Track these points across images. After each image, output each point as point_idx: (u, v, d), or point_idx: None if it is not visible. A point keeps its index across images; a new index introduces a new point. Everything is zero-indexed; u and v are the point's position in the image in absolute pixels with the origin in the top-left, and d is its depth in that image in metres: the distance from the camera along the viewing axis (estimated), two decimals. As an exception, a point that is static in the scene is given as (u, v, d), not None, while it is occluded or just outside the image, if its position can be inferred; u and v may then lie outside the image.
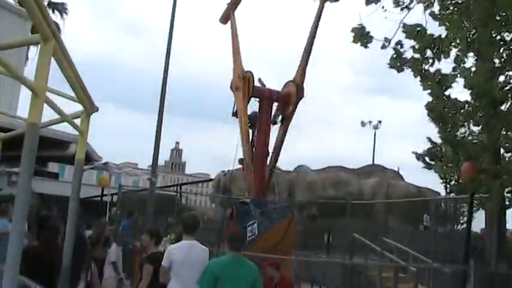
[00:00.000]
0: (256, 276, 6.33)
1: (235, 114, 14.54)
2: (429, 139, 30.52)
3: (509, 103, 9.94)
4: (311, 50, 14.86)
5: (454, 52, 9.96)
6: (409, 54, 9.97)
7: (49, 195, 23.84)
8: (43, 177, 24.89)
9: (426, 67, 9.68)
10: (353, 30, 10.71)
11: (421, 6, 11.16)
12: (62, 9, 35.92)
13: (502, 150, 11.26)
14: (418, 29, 9.76)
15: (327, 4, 12.42)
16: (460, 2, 9.87)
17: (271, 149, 14.51)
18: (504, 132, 10.12)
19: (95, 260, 10.60)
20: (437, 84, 9.58)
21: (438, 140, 19.51)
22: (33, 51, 30.73)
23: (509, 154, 10.83)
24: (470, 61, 10.06)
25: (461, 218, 29.06)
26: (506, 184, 9.99)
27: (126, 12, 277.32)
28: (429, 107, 9.60)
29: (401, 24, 10.44)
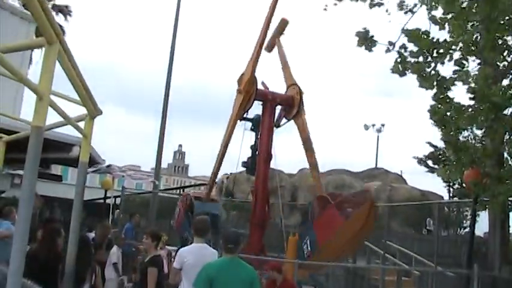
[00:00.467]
0: (253, 278, 6.30)
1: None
2: (430, 143, 30.49)
3: (512, 108, 9.91)
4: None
5: (456, 55, 9.93)
6: (412, 57, 9.95)
7: (52, 197, 23.86)
8: (46, 179, 24.89)
9: (428, 70, 9.66)
10: (357, 34, 10.70)
11: (424, 9, 11.16)
12: (66, 11, 35.98)
13: (505, 155, 11.24)
14: (419, 32, 9.75)
15: (331, 6, 12.45)
16: (462, 6, 9.84)
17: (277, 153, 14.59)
18: (507, 137, 10.10)
19: (98, 262, 10.61)
20: (437, 86, 9.57)
21: (440, 143, 19.46)
22: (38, 54, 30.79)
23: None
24: (472, 65, 10.03)
25: (464, 221, 29.00)
26: (510, 189, 9.95)
27: (132, 15, 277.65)
28: (431, 110, 9.58)
29: (404, 28, 10.45)
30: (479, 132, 10.41)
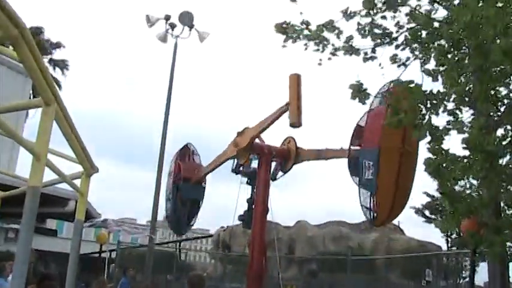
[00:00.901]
0: None
1: (234, 170, 14.62)
2: (427, 193, 30.46)
3: (507, 157, 9.95)
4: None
5: (450, 106, 10.03)
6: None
7: (47, 252, 23.63)
8: (41, 234, 24.72)
9: (421, 121, 9.74)
10: (350, 87, 10.83)
11: (417, 63, 11.33)
12: (63, 66, 36.32)
13: (502, 204, 11.24)
14: (411, 85, 9.87)
15: (325, 58, 12.62)
16: (455, 58, 10.00)
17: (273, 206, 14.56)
18: (504, 186, 10.11)
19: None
20: (430, 135, 9.64)
21: (437, 193, 19.44)
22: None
23: (511, 210, 10.79)
24: (466, 115, 10.12)
25: (463, 271, 28.77)
26: (508, 239, 9.92)
27: (128, 67, 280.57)
28: (426, 162, 9.62)
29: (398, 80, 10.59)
30: (475, 182, 10.43)
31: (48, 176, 4.78)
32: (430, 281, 28.47)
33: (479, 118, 9.83)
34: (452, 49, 10.06)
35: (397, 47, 11.74)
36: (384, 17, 11.92)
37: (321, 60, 12.73)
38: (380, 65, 11.65)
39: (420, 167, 9.83)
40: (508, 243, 10.11)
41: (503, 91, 10.08)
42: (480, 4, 9.17)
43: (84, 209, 5.32)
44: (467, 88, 9.90)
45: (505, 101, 9.86)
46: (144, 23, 23.14)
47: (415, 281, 30.74)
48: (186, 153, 19.42)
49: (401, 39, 11.73)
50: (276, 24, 13.76)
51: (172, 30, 23.43)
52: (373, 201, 12.22)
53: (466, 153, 9.87)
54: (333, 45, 12.32)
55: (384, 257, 28.93)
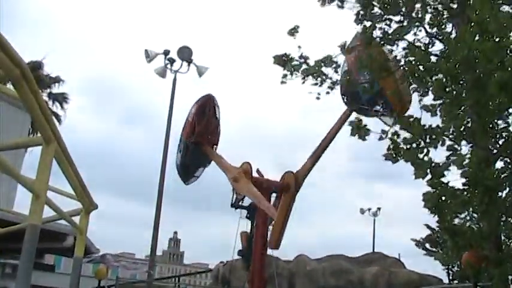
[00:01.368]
0: None
1: (233, 205, 14.57)
2: (427, 226, 30.28)
3: (507, 190, 9.94)
4: (325, 150, 15.20)
5: (448, 140, 10.06)
6: (405, 144, 10.08)
7: (44, 287, 23.40)
8: (39, 270, 24.51)
9: (420, 156, 9.75)
10: (350, 124, 10.88)
11: (415, 97, 11.41)
12: (62, 99, 36.30)
13: (503, 237, 11.19)
14: (411, 119, 9.92)
15: (323, 92, 12.70)
16: (453, 92, 10.06)
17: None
18: (503, 219, 10.08)
19: None
20: (430, 173, 9.64)
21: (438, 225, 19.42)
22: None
23: (511, 241, 10.74)
24: (465, 149, 10.14)
25: (465, 305, 28.45)
26: (509, 271, 9.84)
27: (127, 101, 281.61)
28: (425, 197, 9.61)
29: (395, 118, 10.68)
30: (475, 215, 10.39)
31: (48, 212, 4.77)
32: (431, 315, 28.14)
33: (478, 152, 9.84)
34: (449, 83, 10.13)
35: (395, 80, 11.84)
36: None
37: (319, 94, 12.83)
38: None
39: (421, 197, 9.79)
40: (510, 276, 10.04)
41: (502, 124, 10.11)
42: (476, 38, 9.27)
43: (83, 246, 5.29)
44: (465, 122, 9.93)
45: (504, 134, 9.88)
46: (143, 57, 23.34)
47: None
48: (206, 105, 17.82)
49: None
50: (275, 55, 13.92)
51: (171, 65, 23.59)
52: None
53: (466, 186, 9.86)
54: (330, 79, 12.44)
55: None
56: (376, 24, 12.00)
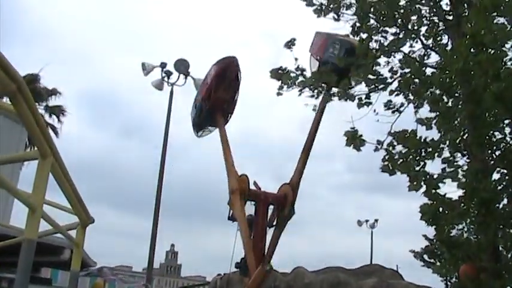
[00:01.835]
0: None
1: (231, 218, 14.51)
2: (425, 237, 30.15)
3: (504, 201, 9.94)
4: (309, 151, 15.14)
5: (444, 153, 10.08)
6: (401, 158, 10.10)
7: (41, 302, 23.27)
8: (36, 284, 24.37)
9: (417, 168, 9.77)
10: (346, 134, 10.90)
11: (411, 107, 11.44)
12: (59, 112, 36.21)
13: (501, 248, 11.18)
14: (406, 133, 9.96)
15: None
16: (448, 105, 10.11)
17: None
18: (501, 230, 10.07)
19: None
20: (425, 185, 9.66)
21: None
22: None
23: (510, 253, 10.72)
24: (461, 161, 10.16)
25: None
26: (508, 283, 9.82)
27: (124, 113, 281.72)
28: (422, 210, 9.61)
29: (391, 129, 10.73)
30: (472, 227, 10.39)
31: (44, 225, 4.76)
32: (430, 327, 28.03)
33: (474, 163, 9.86)
34: (444, 96, 10.17)
35: (391, 92, 11.87)
36: (377, 63, 12.09)
37: (315, 106, 12.88)
38: (375, 111, 11.76)
39: (417, 214, 9.78)
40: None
41: (498, 135, 10.14)
42: (472, 50, 9.32)
43: (79, 260, 5.28)
44: (461, 134, 9.96)
45: (500, 146, 9.90)
46: (140, 70, 23.38)
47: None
48: (227, 69, 16.21)
49: (395, 84, 11.89)
50: (271, 70, 13.96)
51: (168, 78, 23.65)
52: None
53: (462, 197, 9.87)
54: (327, 91, 12.48)
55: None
56: (373, 36, 12.06)
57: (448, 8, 12.02)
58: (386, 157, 10.29)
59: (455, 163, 9.99)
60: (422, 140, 9.74)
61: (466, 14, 10.87)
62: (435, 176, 9.72)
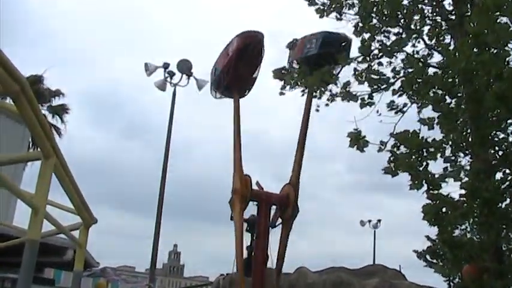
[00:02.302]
0: None
1: (233, 218, 14.52)
2: (428, 237, 30.12)
3: (507, 201, 9.92)
4: (303, 151, 15.16)
5: (447, 152, 10.07)
6: (404, 158, 10.09)
7: (44, 303, 23.29)
8: (39, 284, 24.40)
9: (420, 168, 9.75)
10: (349, 135, 10.89)
11: (414, 108, 11.43)
12: (62, 112, 36.11)
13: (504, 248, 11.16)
14: (408, 134, 9.95)
15: (322, 104, 12.75)
16: (450, 105, 10.10)
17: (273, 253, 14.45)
18: (504, 231, 10.05)
19: None
20: (427, 184, 9.64)
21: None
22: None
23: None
24: (464, 161, 10.15)
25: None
26: (510, 284, 9.80)
27: (127, 114, 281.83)
28: (424, 210, 9.59)
29: (394, 129, 10.74)
30: (475, 227, 10.37)
31: (47, 226, 4.77)
32: (433, 327, 28.01)
33: (476, 163, 9.85)
34: (447, 96, 10.16)
35: (393, 92, 11.86)
36: (380, 63, 12.09)
37: (318, 106, 12.87)
38: (378, 111, 11.75)
39: (419, 214, 9.77)
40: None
41: (500, 135, 10.12)
42: (474, 50, 9.30)
43: (82, 260, 5.29)
44: (464, 133, 9.95)
45: (502, 145, 9.88)
46: (143, 71, 23.37)
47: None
48: (250, 45, 15.60)
49: (398, 84, 11.88)
50: (274, 70, 13.96)
51: (171, 78, 23.63)
52: None
53: (465, 197, 9.85)
54: (330, 91, 12.47)
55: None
56: (375, 36, 12.05)
57: (450, 8, 12.01)
58: (391, 159, 10.27)
59: (457, 163, 9.97)
60: (424, 140, 9.72)
61: (469, 13, 10.85)
62: (437, 176, 9.69)
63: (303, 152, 15.12)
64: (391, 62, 12.08)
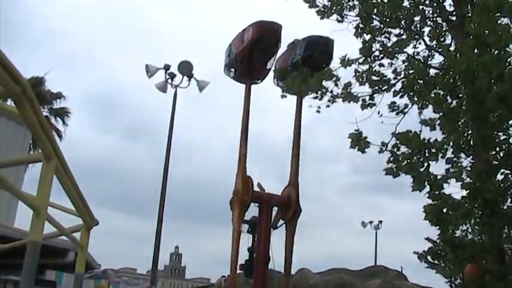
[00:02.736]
0: None
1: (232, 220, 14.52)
2: (428, 239, 30.08)
3: (508, 202, 9.92)
4: (299, 152, 15.18)
5: (448, 153, 10.06)
6: (405, 159, 10.09)
7: (46, 305, 23.28)
8: (40, 286, 24.40)
9: (421, 170, 9.75)
10: (350, 136, 10.89)
11: (415, 109, 11.43)
12: (63, 115, 36.15)
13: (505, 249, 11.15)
14: (410, 134, 9.94)
15: (323, 106, 12.75)
16: (451, 105, 10.09)
17: (275, 255, 14.45)
18: (505, 231, 10.05)
19: None
20: (429, 185, 9.64)
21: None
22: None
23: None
24: (465, 162, 10.14)
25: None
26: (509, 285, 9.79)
27: (128, 116, 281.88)
28: (425, 210, 9.59)
29: (395, 130, 10.73)
30: (476, 227, 10.36)
31: (48, 228, 4.77)
32: (435, 328, 27.98)
33: (478, 164, 9.84)
34: (448, 97, 10.16)
35: (394, 93, 11.86)
36: (381, 64, 12.09)
37: (319, 107, 12.86)
38: (379, 113, 11.76)
39: (421, 214, 9.76)
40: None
41: (502, 136, 10.12)
42: (475, 51, 9.30)
43: (84, 262, 5.29)
44: (465, 134, 9.95)
45: (504, 146, 9.88)
46: (144, 72, 23.37)
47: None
48: (265, 36, 15.33)
49: (399, 85, 11.88)
50: (275, 70, 13.97)
51: (172, 79, 23.63)
52: None
53: (466, 198, 9.85)
54: (331, 92, 12.46)
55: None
56: (376, 38, 12.06)
57: (451, 9, 12.02)
58: (391, 159, 10.28)
59: (459, 164, 9.96)
60: (426, 141, 9.72)
61: (470, 14, 10.86)
62: (439, 177, 9.69)
63: (299, 152, 15.17)
64: (392, 63, 12.09)
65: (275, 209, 14.78)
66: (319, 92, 12.43)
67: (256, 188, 14.58)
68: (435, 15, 12.34)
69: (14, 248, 5.33)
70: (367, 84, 12.05)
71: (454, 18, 11.88)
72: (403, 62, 11.97)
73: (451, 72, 10.00)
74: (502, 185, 9.66)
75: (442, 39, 12.30)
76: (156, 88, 23.30)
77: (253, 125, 15.39)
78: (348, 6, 12.54)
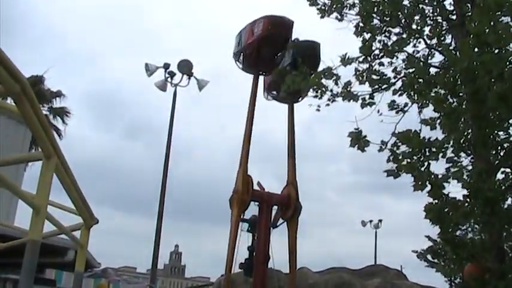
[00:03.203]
0: None
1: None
2: (428, 237, 30.07)
3: (509, 201, 9.92)
4: (294, 152, 15.25)
5: (449, 152, 10.06)
6: (405, 158, 10.09)
7: (45, 303, 23.27)
8: (40, 285, 24.38)
9: (421, 169, 9.74)
10: (350, 135, 10.89)
11: (415, 107, 11.43)
12: (63, 114, 36.15)
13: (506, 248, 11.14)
14: (410, 133, 9.93)
15: (323, 104, 12.76)
16: (452, 105, 10.08)
17: (274, 253, 14.47)
18: (506, 230, 10.05)
19: None
20: (430, 185, 9.63)
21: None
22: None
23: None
24: (465, 161, 10.13)
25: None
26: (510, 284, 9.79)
27: (128, 115, 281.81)
28: (426, 209, 9.58)
29: (395, 129, 10.73)
30: (476, 226, 10.36)
31: (48, 226, 4.76)
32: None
33: (478, 163, 9.83)
34: (448, 96, 10.15)
35: (394, 92, 11.86)
36: (381, 63, 12.09)
37: (319, 106, 12.85)
38: (379, 111, 11.75)
39: (421, 213, 9.76)
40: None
41: (502, 135, 10.11)
42: (476, 50, 9.29)
43: (83, 261, 5.28)
44: (465, 133, 9.94)
45: (504, 145, 9.87)
46: (144, 71, 23.36)
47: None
48: (276, 33, 15.55)
49: (399, 84, 11.88)
50: (275, 70, 13.98)
51: (172, 78, 23.62)
52: None
53: (467, 197, 9.84)
54: (331, 91, 12.46)
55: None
56: (376, 36, 12.06)
57: (451, 8, 12.01)
58: (391, 157, 10.27)
59: (459, 163, 9.95)
60: (426, 140, 9.71)
61: (470, 13, 10.85)
62: (440, 176, 9.68)
63: (295, 154, 15.27)
64: (392, 62, 12.09)
65: (275, 208, 14.80)
66: (319, 91, 12.43)
67: (256, 187, 14.60)
68: (435, 14, 12.34)
69: (14, 246, 5.32)
70: (367, 83, 12.05)
71: (454, 17, 11.88)
72: (403, 60, 11.98)
73: (451, 71, 9.98)
74: (502, 184, 9.65)
75: (442, 38, 12.30)
76: (156, 87, 23.29)
77: (254, 123, 15.42)
78: (348, 5, 12.55)
